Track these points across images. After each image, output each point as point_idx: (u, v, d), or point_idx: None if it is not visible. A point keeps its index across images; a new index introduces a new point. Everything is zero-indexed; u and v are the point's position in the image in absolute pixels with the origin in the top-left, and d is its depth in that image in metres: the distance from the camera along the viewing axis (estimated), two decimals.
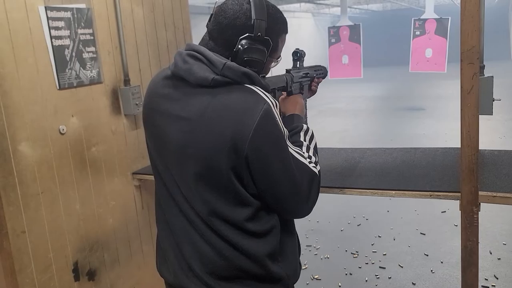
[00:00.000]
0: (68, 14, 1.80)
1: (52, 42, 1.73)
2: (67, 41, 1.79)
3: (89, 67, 1.90)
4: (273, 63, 1.22)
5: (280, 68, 1.44)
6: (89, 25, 1.90)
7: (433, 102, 9.62)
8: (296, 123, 1.26)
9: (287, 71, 1.41)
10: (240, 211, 1.08)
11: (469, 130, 1.27)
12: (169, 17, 2.38)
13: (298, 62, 1.47)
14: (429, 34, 6.82)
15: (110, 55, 2.02)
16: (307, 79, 1.49)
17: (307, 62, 1.53)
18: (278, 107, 1.07)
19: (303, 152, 1.17)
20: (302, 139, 1.22)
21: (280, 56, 1.22)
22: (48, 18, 1.71)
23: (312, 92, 1.55)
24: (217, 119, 1.03)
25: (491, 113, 1.62)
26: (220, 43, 1.10)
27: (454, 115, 7.67)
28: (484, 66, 1.60)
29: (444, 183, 1.57)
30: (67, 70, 1.80)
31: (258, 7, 1.08)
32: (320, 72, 1.58)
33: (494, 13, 15.29)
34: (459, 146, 1.37)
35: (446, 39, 6.67)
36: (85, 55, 1.89)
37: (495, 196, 1.39)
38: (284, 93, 1.40)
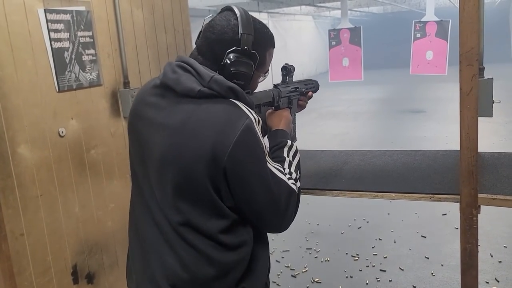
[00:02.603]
0: (67, 17, 1.80)
1: (51, 45, 1.73)
2: (66, 44, 1.80)
3: (88, 69, 1.90)
4: (261, 78, 1.25)
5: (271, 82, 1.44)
6: (89, 27, 1.90)
7: (434, 104, 9.61)
8: (280, 139, 1.28)
9: (275, 86, 1.42)
10: (215, 223, 1.08)
11: (468, 132, 1.27)
12: (169, 20, 2.38)
13: (287, 77, 1.48)
14: (430, 37, 6.84)
15: (109, 58, 2.02)
16: (296, 94, 1.50)
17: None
18: (260, 124, 1.10)
19: (284, 169, 1.19)
20: (285, 154, 1.24)
21: (268, 70, 1.25)
22: (47, 21, 1.71)
23: (301, 107, 1.56)
24: (198, 129, 1.05)
25: (490, 115, 1.61)
26: (209, 57, 1.14)
27: (455, 118, 7.58)
28: (483, 68, 1.59)
29: (445, 185, 1.56)
30: (66, 73, 1.80)
31: (244, 22, 1.12)
32: (311, 86, 1.59)
33: (495, 16, 15.31)
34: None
35: (447, 41, 6.69)
36: (85, 58, 1.89)
37: (495, 199, 1.38)
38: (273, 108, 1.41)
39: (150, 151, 1.12)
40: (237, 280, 1.12)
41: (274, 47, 1.24)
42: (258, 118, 1.09)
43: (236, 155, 1.02)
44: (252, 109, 1.11)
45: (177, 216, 1.08)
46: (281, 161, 1.21)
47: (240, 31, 1.11)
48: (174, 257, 1.09)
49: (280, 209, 1.11)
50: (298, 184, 1.20)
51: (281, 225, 1.15)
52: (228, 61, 1.11)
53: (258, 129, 1.07)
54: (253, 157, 1.06)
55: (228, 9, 1.16)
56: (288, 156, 1.23)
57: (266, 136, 1.33)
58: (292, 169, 1.21)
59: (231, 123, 1.03)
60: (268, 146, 1.18)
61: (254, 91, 1.27)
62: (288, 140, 1.28)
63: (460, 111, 1.29)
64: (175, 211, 1.09)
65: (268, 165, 1.10)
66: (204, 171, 1.03)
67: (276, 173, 1.11)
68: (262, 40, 1.18)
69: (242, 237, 1.12)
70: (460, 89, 1.26)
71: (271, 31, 1.24)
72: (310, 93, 1.57)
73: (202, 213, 1.07)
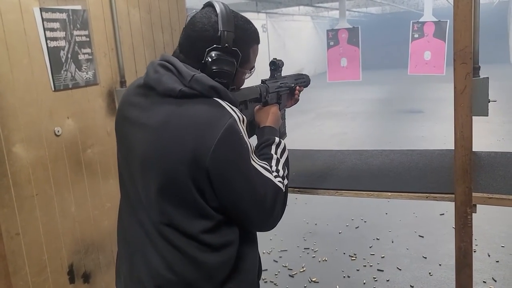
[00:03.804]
0: (63, 16, 1.80)
1: (47, 44, 1.73)
2: (62, 43, 1.79)
3: (84, 68, 1.90)
4: (246, 75, 1.22)
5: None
6: (85, 26, 1.90)
7: (432, 104, 9.62)
8: (267, 136, 1.25)
9: (263, 81, 1.39)
10: (199, 223, 1.06)
11: (462, 131, 1.27)
12: (165, 19, 2.38)
13: (275, 72, 1.45)
14: (428, 37, 6.84)
15: (106, 57, 2.02)
16: (285, 89, 1.47)
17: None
18: (245, 122, 1.07)
19: (270, 166, 1.17)
20: (273, 151, 1.21)
21: (253, 67, 1.22)
22: (43, 20, 1.71)
23: (295, 100, 1.54)
24: (180, 130, 1.02)
25: (486, 115, 1.61)
26: (190, 55, 1.11)
27: (452, 117, 7.59)
28: (479, 67, 1.59)
29: (441, 184, 1.56)
30: (62, 72, 1.80)
31: (225, 19, 1.09)
32: (302, 81, 1.57)
33: (494, 16, 15.34)
34: None
35: (445, 41, 6.69)
36: (81, 57, 1.89)
37: (490, 198, 1.38)
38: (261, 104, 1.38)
39: (133, 151, 1.11)
40: (223, 281, 1.10)
41: (258, 43, 1.21)
42: (243, 117, 1.07)
43: (219, 155, 1.00)
44: (236, 107, 1.08)
45: (161, 217, 1.07)
46: (268, 158, 1.19)
47: (220, 28, 1.08)
48: (159, 258, 1.08)
49: (266, 208, 1.09)
50: (286, 181, 1.18)
51: (268, 224, 1.13)
52: (209, 59, 1.08)
53: (242, 128, 1.05)
54: (236, 157, 1.03)
55: (209, 5, 1.13)
56: (276, 153, 1.21)
57: (255, 133, 1.31)
58: (280, 167, 1.19)
59: (213, 123, 1.01)
60: (255, 144, 1.15)
61: (241, 88, 1.24)
62: (276, 137, 1.25)
63: (454, 110, 1.29)
64: (159, 212, 1.07)
65: (254, 163, 1.07)
66: (186, 172, 1.01)
67: (262, 172, 1.09)
68: (245, 37, 1.15)
69: (227, 237, 1.10)
70: (455, 87, 1.26)
71: (255, 27, 1.20)
72: (298, 88, 1.53)
73: (185, 214, 1.05)
